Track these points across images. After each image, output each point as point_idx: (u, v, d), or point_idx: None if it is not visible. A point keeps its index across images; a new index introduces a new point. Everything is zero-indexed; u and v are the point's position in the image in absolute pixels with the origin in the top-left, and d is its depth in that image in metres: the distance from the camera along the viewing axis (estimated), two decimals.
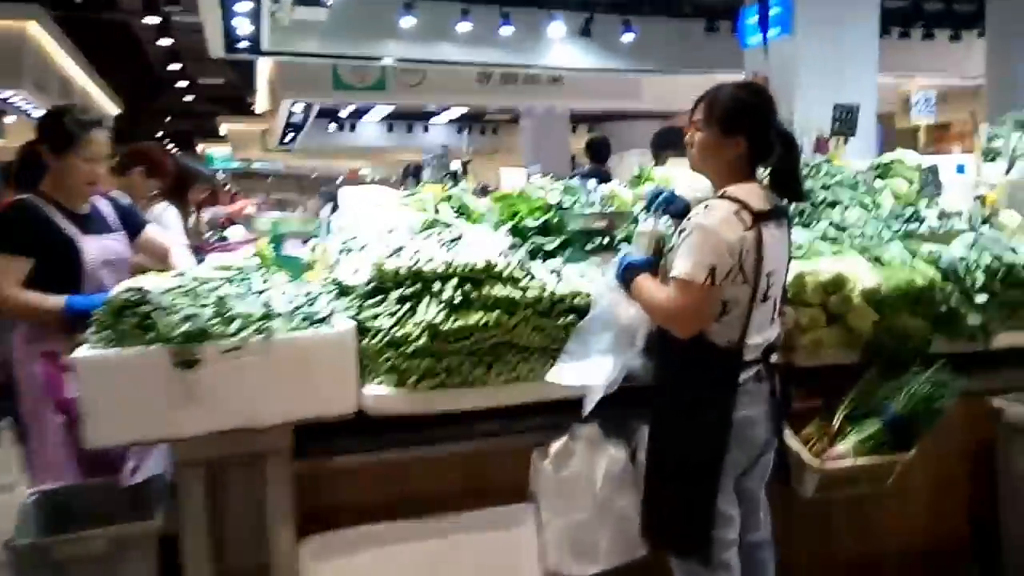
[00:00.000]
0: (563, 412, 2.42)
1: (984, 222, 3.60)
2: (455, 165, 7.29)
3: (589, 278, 2.54)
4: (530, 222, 2.79)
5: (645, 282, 2.22)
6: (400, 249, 2.48)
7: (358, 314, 2.39)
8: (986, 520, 3.18)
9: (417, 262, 2.37)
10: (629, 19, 10.19)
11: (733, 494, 2.26)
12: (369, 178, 23.63)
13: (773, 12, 5.86)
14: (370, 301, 2.39)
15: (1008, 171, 3.92)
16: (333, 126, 19.83)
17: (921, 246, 3.19)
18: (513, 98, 13.46)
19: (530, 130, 15.66)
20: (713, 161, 2.25)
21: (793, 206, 2.85)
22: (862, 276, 2.83)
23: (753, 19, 6.18)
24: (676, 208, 2.35)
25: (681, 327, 2.14)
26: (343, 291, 2.51)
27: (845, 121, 3.91)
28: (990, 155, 4.04)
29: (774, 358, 2.32)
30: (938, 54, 9.48)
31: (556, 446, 2.42)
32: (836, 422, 2.68)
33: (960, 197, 3.89)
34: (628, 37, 10.33)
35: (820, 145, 4.49)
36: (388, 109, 18.32)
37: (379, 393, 2.32)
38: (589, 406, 2.29)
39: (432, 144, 14.22)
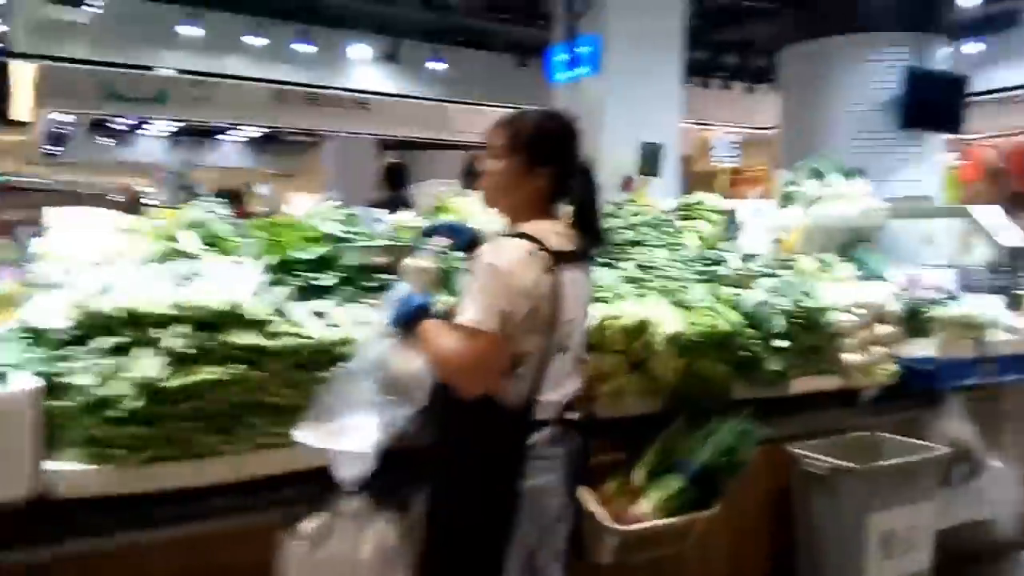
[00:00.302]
0: (322, 482, 2.06)
1: (783, 267, 3.70)
2: (264, 189, 6.76)
3: (366, 322, 2.22)
4: (302, 255, 2.45)
5: (432, 328, 1.94)
6: (113, 285, 2.04)
7: (50, 368, 1.91)
8: (785, 568, 3.19)
9: (134, 302, 1.94)
10: (439, 48, 10.16)
11: None
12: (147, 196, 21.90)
13: (582, 51, 5.96)
14: (69, 351, 1.94)
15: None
16: (108, 139, 18.26)
17: (723, 289, 3.20)
18: (314, 120, 12.92)
19: (333, 153, 15.14)
20: (512, 194, 2.04)
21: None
22: (666, 321, 2.75)
23: (562, 57, 6.26)
24: (461, 241, 2.13)
25: (467, 383, 1.87)
26: (38, 337, 2.04)
27: (650, 160, 3.92)
28: (787, 200, 4.21)
29: (573, 415, 2.10)
30: (734, 104, 10.20)
31: (311, 523, 2.05)
32: (637, 478, 2.56)
33: (759, 241, 4.00)
34: (437, 66, 10.28)
35: (627, 184, 4.53)
36: (172, 123, 17.15)
37: (73, 470, 1.86)
38: (352, 476, 1.96)
39: (225, 162, 13.36)
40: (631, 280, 2.98)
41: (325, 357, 2.07)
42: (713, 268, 3.44)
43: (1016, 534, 4.02)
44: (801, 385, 3.23)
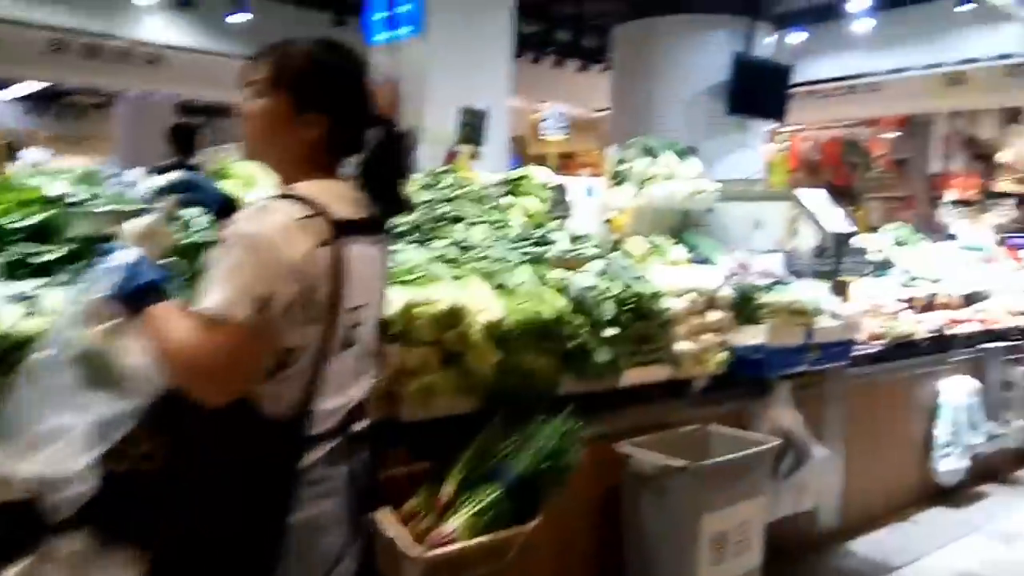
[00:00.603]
0: (23, 516, 1.58)
1: (613, 248, 3.49)
2: (35, 153, 5.82)
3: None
4: (14, 223, 1.92)
5: (162, 313, 1.48)
6: None
7: None
8: (614, 573, 2.99)
9: None
10: None
11: None
12: None
13: (402, 9, 5.53)
14: None
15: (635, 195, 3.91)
16: None
17: (550, 272, 2.93)
18: (97, 75, 11.17)
19: (125, 116, 13.52)
20: (278, 143, 1.62)
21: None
22: (485, 307, 2.44)
23: (381, 15, 5.81)
24: (207, 202, 1.70)
25: (204, 387, 1.44)
26: None
27: (471, 128, 3.59)
28: (618, 179, 4.02)
29: (361, 426, 1.70)
30: (567, 83, 10.06)
31: (13, 572, 1.58)
32: (447, 491, 2.23)
33: (590, 221, 3.78)
34: (239, 18, 9.21)
35: (450, 158, 4.20)
36: None
37: None
38: (62, 505, 1.49)
39: None
40: (446, 261, 2.64)
41: (18, 355, 1.58)
42: (540, 249, 3.18)
43: (837, 523, 4.05)
44: (632, 376, 3.04)
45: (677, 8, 6.70)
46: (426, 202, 2.96)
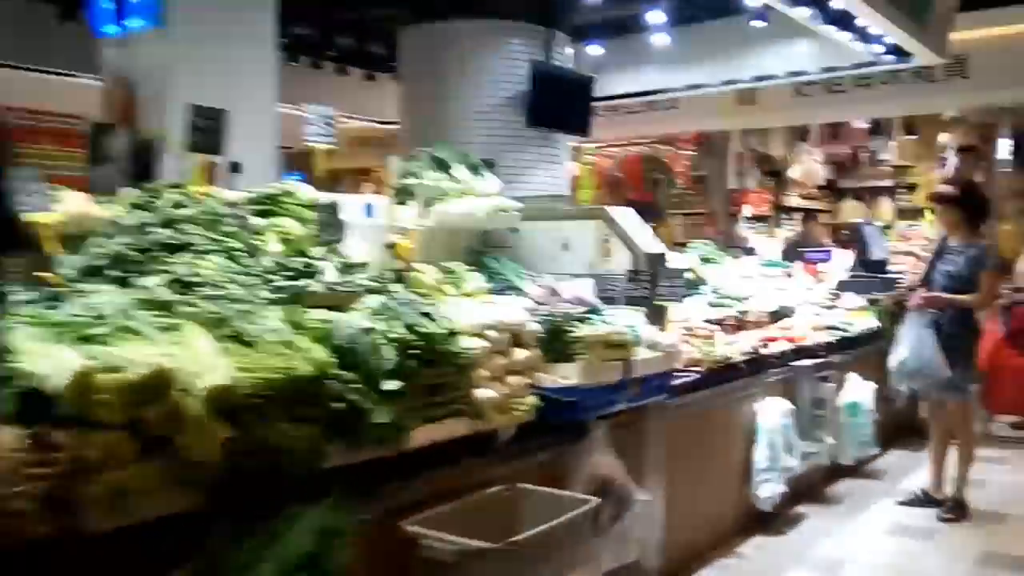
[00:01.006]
0: None
1: (397, 279, 2.95)
2: None
3: None
4: None
5: None
6: None
7: None
8: None
9: None
10: None
11: None
12: None
13: None
14: None
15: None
16: None
17: (309, 314, 2.34)
18: None
19: None
20: None
21: None
22: (206, 368, 1.81)
23: (108, 5, 4.92)
24: None
25: None
26: None
27: (204, 132, 2.92)
28: (403, 196, 3.47)
29: None
30: (354, 93, 9.40)
31: None
32: None
33: (369, 246, 3.22)
34: None
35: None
36: None
37: None
38: None
39: None
40: (155, 305, 1.98)
41: None
42: (299, 283, 2.57)
43: (660, 563, 3.74)
44: (423, 436, 2.51)
45: (468, 12, 6.29)
46: (134, 227, 2.29)
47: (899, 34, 6.86)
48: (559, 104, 6.50)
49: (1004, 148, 10.80)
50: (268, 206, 2.96)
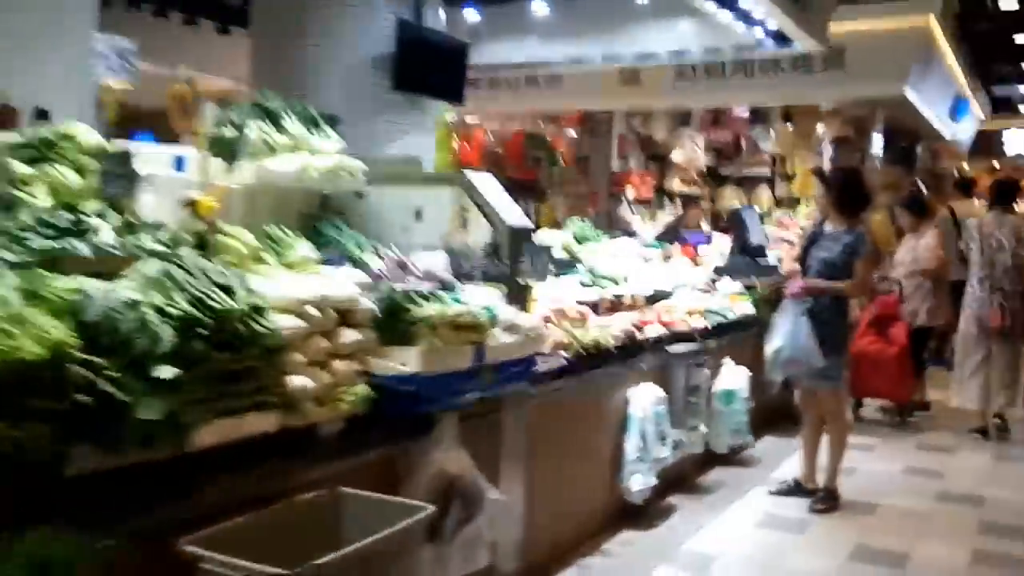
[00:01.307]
0: None
1: (200, 244, 2.47)
2: None
3: None
4: None
5: None
6: None
7: None
8: None
9: None
10: None
11: None
12: None
13: None
14: None
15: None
16: None
17: (59, 282, 1.85)
18: None
19: None
20: None
21: None
22: None
23: None
24: None
25: None
26: None
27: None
28: (217, 148, 2.97)
29: None
30: (206, 47, 8.64)
31: None
32: None
33: (174, 204, 2.72)
34: None
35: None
36: None
37: None
38: None
39: None
40: None
41: None
42: (64, 244, 2.07)
43: (517, 565, 3.42)
44: (213, 435, 2.06)
45: None
46: None
47: (781, 18, 6.76)
48: (429, 68, 6.06)
49: (877, 141, 11.04)
50: (40, 152, 2.42)
